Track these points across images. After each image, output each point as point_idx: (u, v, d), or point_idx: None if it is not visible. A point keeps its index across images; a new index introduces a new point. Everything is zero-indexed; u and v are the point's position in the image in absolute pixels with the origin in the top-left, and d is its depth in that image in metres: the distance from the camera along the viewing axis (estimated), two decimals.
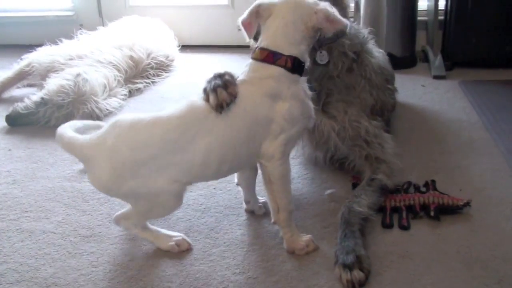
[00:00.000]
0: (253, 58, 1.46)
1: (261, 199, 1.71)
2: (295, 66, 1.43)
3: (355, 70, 1.85)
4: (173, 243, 1.53)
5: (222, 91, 1.38)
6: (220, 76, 1.43)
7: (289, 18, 1.43)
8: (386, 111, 2.00)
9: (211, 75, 1.46)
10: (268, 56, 1.43)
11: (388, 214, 1.63)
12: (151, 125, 1.39)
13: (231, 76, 1.44)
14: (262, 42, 1.45)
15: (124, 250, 1.54)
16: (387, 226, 1.60)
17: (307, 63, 1.49)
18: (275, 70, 1.42)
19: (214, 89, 1.39)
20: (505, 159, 1.97)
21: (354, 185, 1.78)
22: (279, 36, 1.43)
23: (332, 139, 1.81)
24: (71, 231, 1.64)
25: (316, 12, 1.42)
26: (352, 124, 1.79)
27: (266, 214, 1.66)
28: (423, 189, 1.72)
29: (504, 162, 1.95)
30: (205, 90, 1.43)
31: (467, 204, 1.63)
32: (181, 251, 1.52)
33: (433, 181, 1.74)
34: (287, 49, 1.42)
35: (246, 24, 1.47)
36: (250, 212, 1.70)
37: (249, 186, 1.67)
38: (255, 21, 1.46)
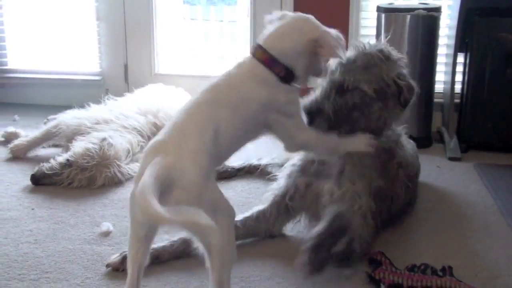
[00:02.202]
0: (252, 54, 1.58)
1: None
2: (287, 76, 1.55)
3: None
4: None
5: None
6: None
7: (293, 25, 1.59)
8: (394, 205, 2.00)
9: None
10: (266, 60, 1.55)
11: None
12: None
13: None
14: (263, 39, 1.59)
15: None
16: None
17: (300, 80, 1.60)
18: (269, 76, 1.54)
19: None
20: None
21: (371, 260, 1.79)
22: (279, 40, 1.57)
23: (322, 201, 1.87)
24: None
25: (318, 31, 1.59)
26: (353, 196, 1.83)
27: None
28: (440, 273, 1.73)
29: None
30: None
31: None
32: None
33: (450, 267, 1.75)
34: (284, 58, 1.55)
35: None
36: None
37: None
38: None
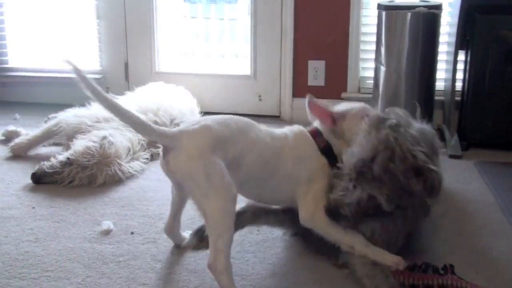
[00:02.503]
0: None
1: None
2: (326, 149, 1.84)
3: None
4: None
5: None
6: None
7: None
8: None
9: None
10: (313, 130, 1.88)
11: None
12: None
13: None
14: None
15: None
16: None
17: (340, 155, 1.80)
18: (310, 142, 1.84)
19: None
20: None
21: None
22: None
23: None
24: None
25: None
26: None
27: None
28: (442, 271, 1.73)
29: None
30: None
31: None
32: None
33: (452, 266, 1.74)
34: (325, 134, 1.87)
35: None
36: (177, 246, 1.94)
37: (175, 213, 1.88)
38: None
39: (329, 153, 1.83)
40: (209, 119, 1.68)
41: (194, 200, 1.62)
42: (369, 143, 1.69)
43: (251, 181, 1.74)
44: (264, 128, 1.81)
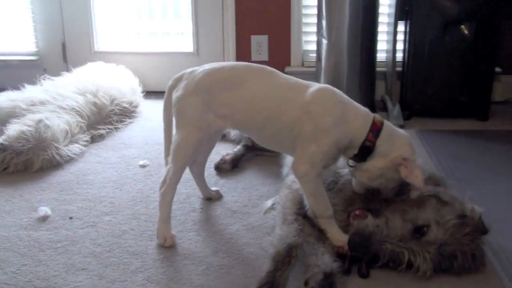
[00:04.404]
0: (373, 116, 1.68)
1: (214, 188, 2.14)
2: (367, 151, 1.63)
3: None
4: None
5: None
6: None
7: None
8: None
9: None
10: (379, 121, 1.66)
11: (348, 261, 1.65)
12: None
13: None
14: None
15: None
16: (345, 271, 1.61)
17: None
18: (332, 103, 1.67)
19: None
20: None
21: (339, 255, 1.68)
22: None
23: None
24: (26, 282, 1.60)
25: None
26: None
27: (226, 266, 1.67)
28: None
29: None
30: None
31: None
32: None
33: None
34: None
35: None
36: (208, 199, 2.10)
37: (198, 177, 2.07)
38: None
39: (363, 151, 1.63)
40: (212, 65, 1.79)
41: None
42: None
43: (247, 126, 1.78)
44: (283, 77, 1.73)
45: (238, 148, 2.52)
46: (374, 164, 1.64)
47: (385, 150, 1.62)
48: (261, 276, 1.51)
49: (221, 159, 2.41)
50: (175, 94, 1.78)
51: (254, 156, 2.54)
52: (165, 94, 1.84)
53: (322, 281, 1.48)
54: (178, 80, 1.81)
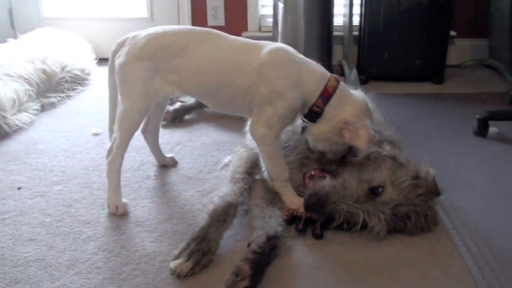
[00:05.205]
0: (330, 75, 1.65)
1: (168, 155, 2.09)
2: (314, 115, 1.62)
3: None
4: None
5: None
6: None
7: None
8: None
9: None
10: (335, 79, 1.64)
11: (302, 221, 1.65)
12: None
13: None
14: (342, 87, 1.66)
15: (27, 274, 1.47)
16: (300, 231, 1.62)
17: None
18: (287, 65, 1.62)
19: None
20: None
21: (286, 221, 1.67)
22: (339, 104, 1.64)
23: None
24: None
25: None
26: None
27: (180, 232, 1.65)
28: None
29: None
30: None
31: None
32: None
33: None
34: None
35: None
36: (163, 166, 2.07)
37: (152, 143, 2.02)
38: None
39: (312, 115, 1.62)
40: (155, 29, 1.71)
41: None
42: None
43: (198, 92, 1.73)
44: (232, 39, 1.67)
45: (191, 100, 2.49)
46: (319, 127, 1.63)
47: (332, 115, 1.61)
48: (195, 231, 1.51)
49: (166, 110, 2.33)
50: (118, 61, 1.69)
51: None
52: (109, 60, 1.76)
53: (264, 243, 1.47)
54: (121, 45, 1.72)
